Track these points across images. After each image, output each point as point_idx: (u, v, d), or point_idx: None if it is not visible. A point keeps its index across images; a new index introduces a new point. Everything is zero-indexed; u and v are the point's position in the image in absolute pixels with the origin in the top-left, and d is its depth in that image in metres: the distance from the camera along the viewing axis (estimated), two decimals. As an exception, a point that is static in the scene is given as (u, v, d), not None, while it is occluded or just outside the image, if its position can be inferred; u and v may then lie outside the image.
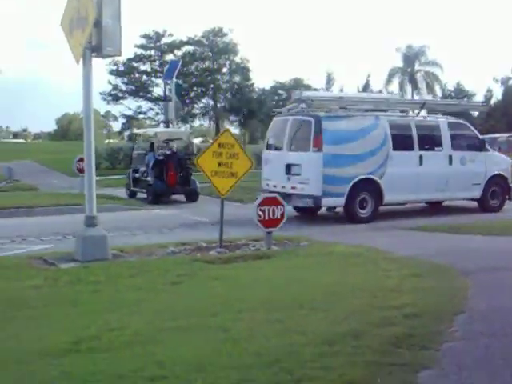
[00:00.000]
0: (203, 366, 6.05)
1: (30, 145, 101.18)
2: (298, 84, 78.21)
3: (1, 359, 6.45)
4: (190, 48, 72.07)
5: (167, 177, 25.33)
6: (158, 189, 25.10)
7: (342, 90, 62.00)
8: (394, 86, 74.86)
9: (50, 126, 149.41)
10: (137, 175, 26.95)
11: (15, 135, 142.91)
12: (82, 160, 23.31)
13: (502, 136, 39.91)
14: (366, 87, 61.54)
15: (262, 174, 19.69)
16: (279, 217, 13.27)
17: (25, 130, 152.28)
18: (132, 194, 26.98)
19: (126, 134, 72.91)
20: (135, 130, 37.17)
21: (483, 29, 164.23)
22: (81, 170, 25.41)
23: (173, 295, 9.21)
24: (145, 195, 25.75)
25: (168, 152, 26.20)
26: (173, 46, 70.30)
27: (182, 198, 26.15)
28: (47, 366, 6.19)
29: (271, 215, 13.20)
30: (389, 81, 74.47)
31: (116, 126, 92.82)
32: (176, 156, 26.03)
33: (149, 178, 25.60)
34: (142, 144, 30.69)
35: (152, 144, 26.88)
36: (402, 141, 18.67)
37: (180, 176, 25.76)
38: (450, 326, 7.28)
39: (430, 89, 73.50)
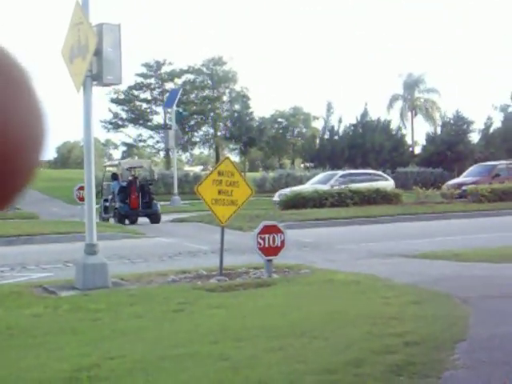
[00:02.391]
0: (204, 395, 6.04)
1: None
2: (297, 112, 78.58)
3: (1, 388, 6.44)
4: (190, 76, 72.54)
5: (130, 200, 28.39)
6: (123, 211, 27.99)
7: (341, 119, 62.44)
8: (395, 113, 75.26)
9: (50, 154, 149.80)
10: (107, 204, 29.86)
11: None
12: (82, 188, 23.49)
13: (502, 163, 40.10)
14: (364, 115, 61.69)
15: None
16: (279, 244, 13.27)
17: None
18: (104, 221, 28.73)
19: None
20: (104, 163, 41.02)
21: (483, 56, 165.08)
22: (81, 199, 25.52)
23: (173, 323, 9.20)
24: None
25: (130, 178, 29.06)
26: (173, 75, 70.79)
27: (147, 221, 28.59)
28: (47, 395, 6.18)
29: (271, 243, 13.20)
30: (390, 107, 74.84)
31: (116, 154, 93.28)
32: (138, 182, 29.22)
33: (116, 204, 28.43)
34: (109, 175, 33.26)
35: (115, 174, 30.59)
36: None
37: (143, 200, 28.76)
38: (451, 354, 7.26)
39: (430, 116, 73.86)
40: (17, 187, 0.63)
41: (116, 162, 34.26)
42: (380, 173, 40.74)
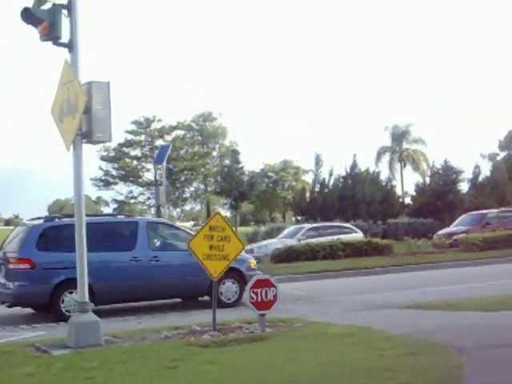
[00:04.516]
0: None
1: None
2: (287, 166, 78.94)
3: None
4: (179, 132, 72.98)
5: None
6: None
7: (331, 171, 62.57)
8: (384, 165, 75.62)
9: (42, 213, 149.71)
10: None
11: (7, 222, 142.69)
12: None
13: (492, 212, 40.33)
14: (353, 167, 61.91)
15: None
16: (272, 298, 13.22)
17: (17, 217, 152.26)
18: None
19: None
20: None
21: (470, 105, 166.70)
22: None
23: (168, 380, 9.12)
24: None
25: None
26: (163, 131, 71.21)
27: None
28: None
29: (264, 297, 13.16)
30: (378, 160, 75.29)
31: (108, 211, 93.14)
32: None
33: None
34: None
35: None
36: None
37: None
38: (447, 405, 7.22)
39: (418, 167, 74.29)
40: None
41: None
42: (349, 225, 41.37)
